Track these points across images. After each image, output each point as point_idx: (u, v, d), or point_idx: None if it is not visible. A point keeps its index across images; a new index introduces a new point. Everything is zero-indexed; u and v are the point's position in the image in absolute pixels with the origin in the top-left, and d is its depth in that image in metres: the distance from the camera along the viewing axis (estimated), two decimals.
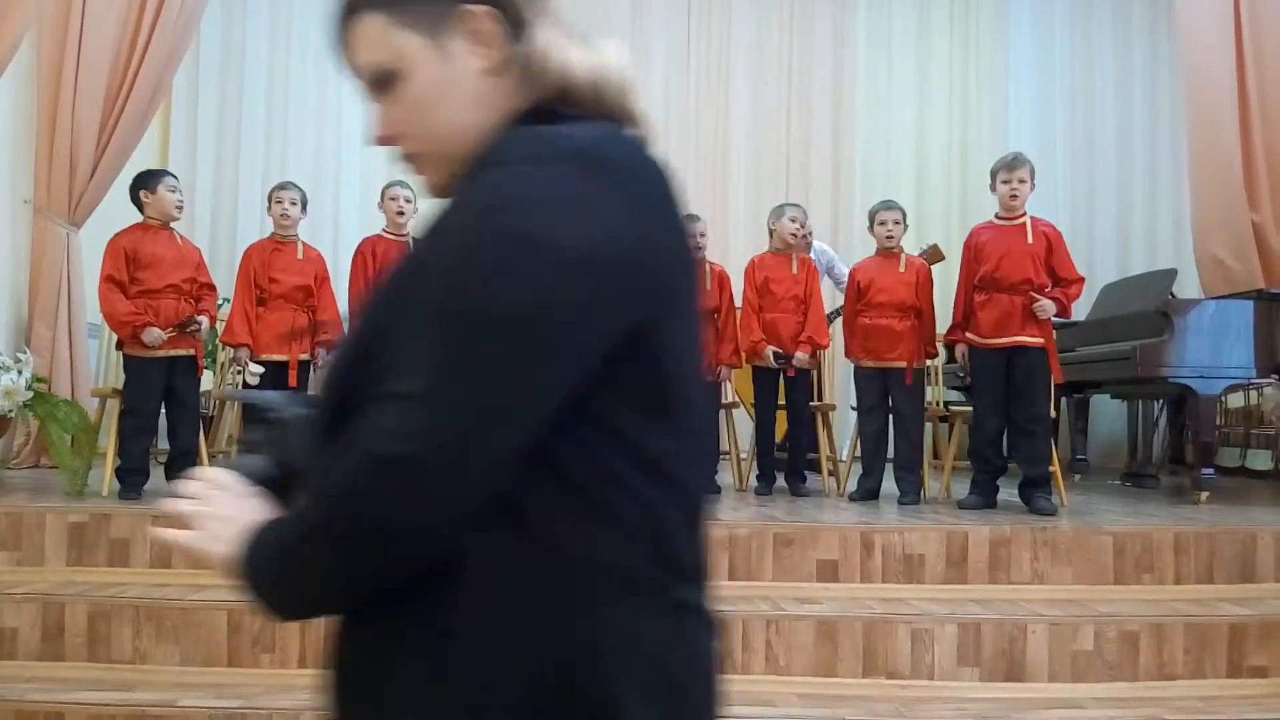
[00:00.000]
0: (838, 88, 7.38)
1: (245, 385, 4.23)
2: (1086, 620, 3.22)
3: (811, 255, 5.59)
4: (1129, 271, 6.96)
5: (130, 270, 4.02)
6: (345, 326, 4.49)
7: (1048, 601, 3.41)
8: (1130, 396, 5.98)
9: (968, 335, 4.30)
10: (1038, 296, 4.12)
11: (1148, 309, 4.90)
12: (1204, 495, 4.59)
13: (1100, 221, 7.38)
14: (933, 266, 5.27)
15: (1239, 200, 5.36)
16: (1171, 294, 5.23)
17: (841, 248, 6.73)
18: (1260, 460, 6.23)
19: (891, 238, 4.54)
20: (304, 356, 4.32)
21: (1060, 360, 5.01)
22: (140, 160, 5.54)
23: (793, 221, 4.77)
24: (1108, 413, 6.82)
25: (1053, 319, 4.24)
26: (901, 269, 4.52)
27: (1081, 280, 4.23)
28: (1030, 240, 4.16)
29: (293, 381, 4.27)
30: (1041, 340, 4.15)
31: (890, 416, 4.56)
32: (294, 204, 4.37)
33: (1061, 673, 3.17)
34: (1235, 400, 6.38)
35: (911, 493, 4.40)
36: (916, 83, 7.42)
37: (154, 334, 3.93)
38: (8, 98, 5.10)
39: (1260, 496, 5.02)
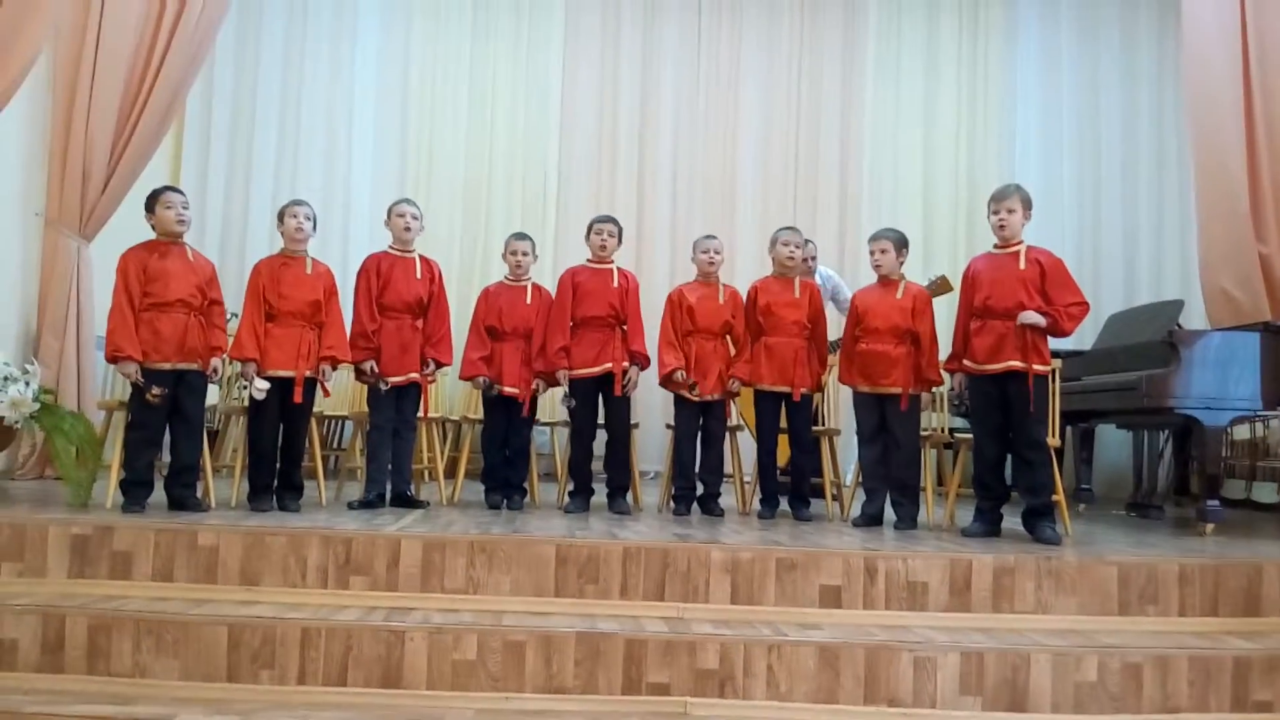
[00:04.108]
0: (845, 116, 7.43)
1: (252, 400, 4.22)
2: (1090, 651, 3.20)
3: (817, 280, 5.60)
4: (1135, 301, 6.96)
5: (141, 285, 4.08)
6: (349, 343, 4.49)
7: (1051, 631, 3.40)
8: (1136, 427, 5.96)
9: (964, 363, 4.31)
10: (1026, 315, 4.09)
11: (1154, 339, 4.90)
12: (1209, 527, 4.58)
13: (1106, 251, 7.39)
14: (943, 296, 5.28)
15: (1246, 232, 5.36)
16: (1178, 325, 5.22)
17: (848, 275, 6.74)
18: (1266, 493, 6.20)
19: (880, 265, 4.56)
20: (309, 374, 4.30)
21: (1065, 389, 4.99)
22: (152, 176, 5.59)
23: (785, 245, 4.79)
24: (1113, 443, 6.80)
25: (1052, 345, 4.22)
26: (899, 296, 4.53)
27: (1084, 302, 4.17)
28: (1023, 267, 4.16)
29: (298, 398, 4.26)
30: (1030, 367, 4.08)
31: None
32: (308, 219, 4.39)
33: (1064, 704, 3.14)
34: (1241, 432, 6.37)
35: (907, 518, 4.39)
36: (924, 112, 7.47)
37: (131, 367, 4.02)
38: (23, 111, 5.15)
39: (1266, 529, 5.00)
